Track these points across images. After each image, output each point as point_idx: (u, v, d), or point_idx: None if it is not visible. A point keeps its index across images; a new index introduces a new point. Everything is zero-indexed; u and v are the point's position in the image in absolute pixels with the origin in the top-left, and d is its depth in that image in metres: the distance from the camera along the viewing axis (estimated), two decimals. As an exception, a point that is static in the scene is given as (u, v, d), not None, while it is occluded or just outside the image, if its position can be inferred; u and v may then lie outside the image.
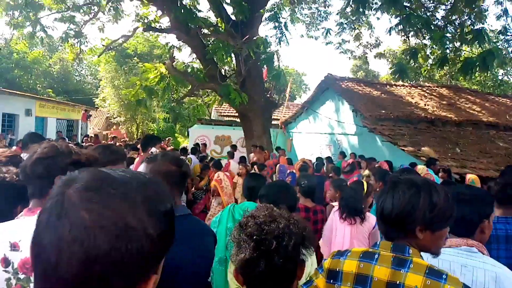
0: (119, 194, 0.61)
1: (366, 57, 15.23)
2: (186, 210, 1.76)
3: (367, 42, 14.22)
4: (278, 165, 8.35)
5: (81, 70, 33.63)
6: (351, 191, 3.29)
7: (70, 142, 11.09)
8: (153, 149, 3.86)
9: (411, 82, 15.65)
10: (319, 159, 9.70)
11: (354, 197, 3.17)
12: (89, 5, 10.17)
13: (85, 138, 13.62)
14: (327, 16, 11.23)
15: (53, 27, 24.11)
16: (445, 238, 1.36)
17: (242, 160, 8.85)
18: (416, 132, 9.70)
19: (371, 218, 3.21)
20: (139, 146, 7.75)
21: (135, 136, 21.77)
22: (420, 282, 1.23)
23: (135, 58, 20.99)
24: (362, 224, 3.16)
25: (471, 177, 5.87)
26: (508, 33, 10.73)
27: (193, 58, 10.44)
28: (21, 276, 1.23)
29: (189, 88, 10.33)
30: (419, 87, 13.38)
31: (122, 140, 15.35)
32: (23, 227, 1.28)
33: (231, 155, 9.50)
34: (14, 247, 1.24)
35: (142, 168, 1.79)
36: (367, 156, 9.41)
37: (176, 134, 24.34)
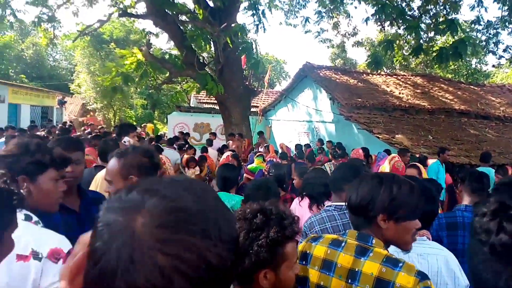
0: (199, 231, 0.53)
1: (344, 45, 15.37)
2: None
3: (345, 31, 14.34)
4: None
5: (55, 55, 32.64)
6: (312, 177, 3.20)
7: (43, 129, 10.85)
8: (126, 138, 3.78)
9: (387, 71, 15.93)
10: (298, 146, 9.85)
11: (315, 183, 3.09)
12: (62, -12, 9.86)
13: (60, 125, 13.34)
14: (306, 4, 11.27)
15: (24, 10, 23.20)
16: (413, 232, 1.41)
17: (224, 147, 8.88)
18: (390, 120, 9.95)
19: None
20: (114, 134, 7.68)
21: (112, 123, 21.41)
22: (376, 269, 1.31)
23: (112, 44, 20.52)
24: None
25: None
26: (481, 23, 11.04)
27: (171, 45, 10.31)
28: None
29: (167, 75, 10.23)
30: (394, 76, 13.64)
31: (99, 127, 15.10)
32: None
33: (209, 143, 9.53)
34: None
35: (111, 163, 1.84)
36: (344, 144, 9.64)
37: (155, 121, 24.07)
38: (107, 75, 9.97)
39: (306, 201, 3.16)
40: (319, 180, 3.05)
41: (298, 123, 12.98)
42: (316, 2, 8.29)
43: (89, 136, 9.29)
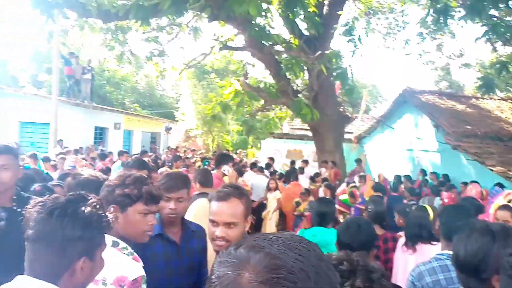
0: None
1: (449, 67, 14.21)
2: None
3: (451, 52, 13.28)
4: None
5: (164, 86, 36.17)
6: (414, 217, 3.01)
7: (150, 154, 11.94)
8: (225, 167, 4.15)
9: (501, 95, 14.23)
10: (396, 177, 9.22)
11: (418, 224, 2.88)
12: (171, 26, 10.93)
13: (166, 150, 14.55)
14: (405, 26, 10.74)
15: (139, 47, 26.42)
16: None
17: (316, 175, 8.72)
18: (506, 150, 8.78)
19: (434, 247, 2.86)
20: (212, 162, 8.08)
21: (211, 147, 22.72)
22: None
23: (213, 74, 22.03)
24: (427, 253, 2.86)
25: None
26: None
27: (267, 74, 10.66)
28: None
29: (262, 102, 10.54)
30: (509, 101, 12.12)
31: (199, 152, 16.12)
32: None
33: (301, 171, 9.45)
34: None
35: (232, 204, 1.75)
36: (451, 176, 8.74)
37: (249, 146, 24.89)
38: (208, 104, 10.66)
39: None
40: (423, 221, 2.81)
41: (397, 152, 12.20)
42: (417, 24, 7.85)
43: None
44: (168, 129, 23.68)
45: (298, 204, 7.16)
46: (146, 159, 7.54)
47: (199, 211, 2.99)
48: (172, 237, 2.23)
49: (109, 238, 1.59)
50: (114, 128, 17.34)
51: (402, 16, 10.47)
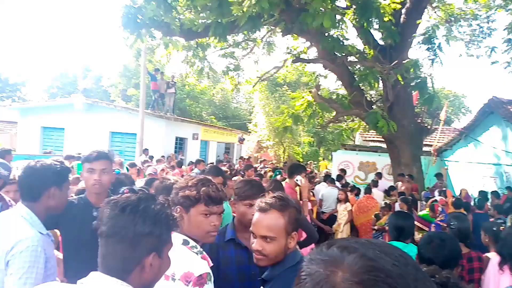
0: None
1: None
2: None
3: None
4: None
5: (238, 98, 37.42)
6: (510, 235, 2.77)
7: (225, 163, 12.48)
8: (298, 177, 4.22)
9: None
10: (482, 193, 8.54)
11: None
12: (247, 41, 11.40)
13: (239, 160, 15.07)
14: (491, 32, 9.95)
15: (217, 62, 28.30)
16: None
17: (391, 189, 8.43)
18: None
19: None
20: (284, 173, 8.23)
21: (282, 158, 22.92)
22: None
23: (285, 86, 22.35)
24: None
25: None
26: None
27: (338, 85, 10.60)
28: None
29: (333, 114, 10.49)
30: None
31: (270, 162, 16.40)
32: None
33: (374, 184, 9.19)
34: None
35: (272, 216, 1.68)
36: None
37: (319, 158, 24.66)
38: (280, 116, 10.86)
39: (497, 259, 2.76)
40: None
41: (482, 166, 11.26)
42: (504, 30, 7.24)
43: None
44: (241, 140, 24.44)
45: (377, 217, 6.99)
46: (221, 167, 7.97)
47: None
48: (245, 242, 2.25)
49: (179, 237, 1.70)
50: (192, 138, 18.41)
51: (488, 23, 9.73)
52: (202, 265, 1.64)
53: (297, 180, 4.24)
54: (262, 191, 2.29)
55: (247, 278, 2.22)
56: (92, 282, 1.16)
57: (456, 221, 3.34)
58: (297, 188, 4.37)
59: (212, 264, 1.77)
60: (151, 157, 12.21)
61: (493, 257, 2.87)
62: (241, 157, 16.48)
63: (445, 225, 4.05)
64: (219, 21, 6.86)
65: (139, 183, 4.90)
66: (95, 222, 1.16)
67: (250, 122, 25.98)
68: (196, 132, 18.70)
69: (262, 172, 9.95)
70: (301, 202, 4.07)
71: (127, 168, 8.33)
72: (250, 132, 25.69)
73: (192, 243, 1.75)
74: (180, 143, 17.67)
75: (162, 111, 16.16)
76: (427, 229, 5.89)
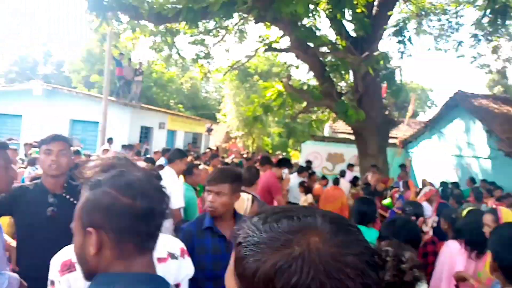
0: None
1: (505, 71, 13.42)
2: None
3: (507, 54, 12.51)
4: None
5: (207, 87, 36.92)
6: (472, 221, 2.88)
7: (191, 153, 12.24)
8: (286, 170, 4.38)
9: None
10: (443, 184, 8.84)
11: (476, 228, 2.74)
12: (218, 29, 11.13)
13: (207, 150, 14.83)
14: (459, 27, 10.23)
15: (186, 49, 27.27)
16: None
17: (356, 180, 8.56)
18: None
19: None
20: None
21: (250, 149, 22.86)
22: None
23: (256, 76, 22.18)
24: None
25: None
26: None
27: (310, 76, 10.57)
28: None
29: (304, 104, 10.46)
30: None
31: (239, 153, 16.28)
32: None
33: (342, 174, 9.29)
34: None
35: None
36: (503, 184, 8.23)
37: (289, 149, 24.80)
38: (250, 106, 10.72)
39: (455, 244, 2.88)
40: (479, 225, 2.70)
41: (445, 158, 11.67)
42: (472, 25, 7.43)
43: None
44: (209, 130, 24.12)
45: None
46: (189, 158, 7.76)
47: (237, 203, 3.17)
48: (223, 231, 2.24)
49: None
50: (159, 128, 17.93)
51: (456, 18, 10.00)
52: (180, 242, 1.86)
53: (283, 173, 4.52)
54: (226, 178, 2.25)
55: (223, 267, 2.16)
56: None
57: (411, 206, 3.56)
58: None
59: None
60: (131, 146, 11.87)
61: (451, 243, 2.94)
62: (209, 148, 16.20)
63: (401, 211, 4.24)
64: (191, 6, 6.59)
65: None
66: (51, 209, 1.02)
67: (219, 112, 25.70)
68: (162, 121, 18.22)
69: (230, 162, 9.82)
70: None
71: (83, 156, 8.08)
72: (219, 122, 25.41)
73: None
74: (145, 133, 17.17)
75: (127, 98, 15.57)
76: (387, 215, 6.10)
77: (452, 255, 2.92)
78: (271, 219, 0.61)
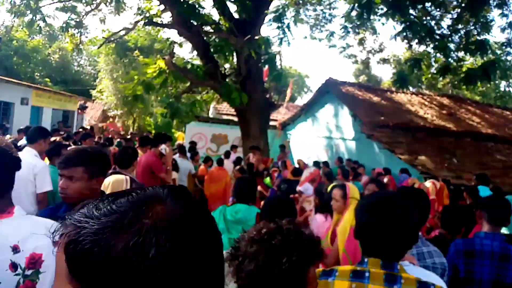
0: None
1: (369, 62, 15.17)
2: None
3: (371, 47, 14.15)
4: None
5: (80, 61, 33.41)
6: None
7: (62, 133, 10.94)
8: (163, 146, 4.25)
9: (413, 90, 15.62)
10: (315, 163, 9.62)
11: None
12: (91, -4, 10.04)
13: (80, 130, 13.46)
14: (332, 18, 11.14)
15: (53, 16, 24.32)
16: None
17: (239, 160, 8.74)
18: (414, 140, 9.64)
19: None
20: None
21: (131, 129, 21.60)
22: None
23: (136, 52, 20.78)
24: None
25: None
26: (512, 45, 10.66)
27: (194, 55, 10.33)
28: (28, 272, 1.28)
29: (187, 84, 10.21)
30: (420, 95, 13.34)
31: (118, 133, 15.20)
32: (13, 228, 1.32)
33: (227, 155, 9.41)
34: (15, 249, 1.28)
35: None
36: (365, 163, 9.33)
37: (173, 130, 24.19)
38: (129, 83, 10.01)
39: (320, 217, 3.38)
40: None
41: (318, 139, 12.75)
42: (342, 17, 8.14)
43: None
44: (83, 108, 21.96)
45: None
46: (57, 138, 6.90)
47: (113, 185, 3.08)
48: None
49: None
50: (21, 103, 15.60)
51: (330, 9, 10.87)
52: None
53: (161, 149, 4.39)
54: (79, 160, 1.94)
55: None
56: None
57: (285, 184, 3.98)
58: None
59: None
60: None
61: (318, 216, 3.44)
62: (81, 127, 14.72)
63: (277, 188, 4.69)
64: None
65: None
66: None
67: (94, 89, 23.50)
68: (25, 97, 15.88)
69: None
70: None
71: None
72: (94, 99, 23.28)
73: None
74: (4, 109, 14.78)
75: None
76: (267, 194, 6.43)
77: (318, 227, 3.38)
78: (105, 203, 0.56)
